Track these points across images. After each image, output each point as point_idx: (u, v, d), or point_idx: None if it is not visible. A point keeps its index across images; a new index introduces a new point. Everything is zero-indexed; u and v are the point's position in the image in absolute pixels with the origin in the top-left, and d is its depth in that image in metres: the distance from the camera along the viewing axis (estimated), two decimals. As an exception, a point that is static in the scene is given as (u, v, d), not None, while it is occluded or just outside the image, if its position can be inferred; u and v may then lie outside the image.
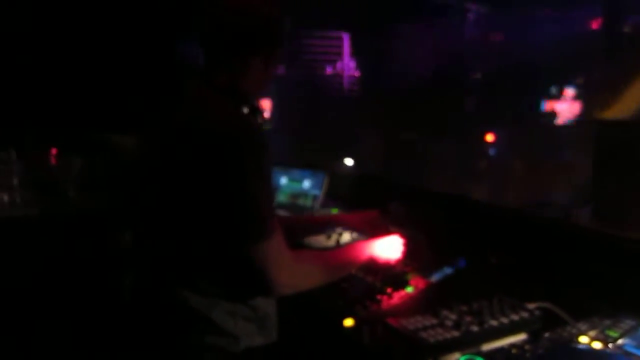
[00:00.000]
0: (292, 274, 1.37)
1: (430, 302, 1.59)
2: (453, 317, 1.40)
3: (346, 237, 2.20)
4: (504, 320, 1.39)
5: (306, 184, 2.83)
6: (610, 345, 1.28)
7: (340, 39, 6.35)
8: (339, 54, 6.36)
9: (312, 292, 1.72)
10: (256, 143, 1.33)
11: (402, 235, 1.78)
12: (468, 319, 1.39)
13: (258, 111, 1.52)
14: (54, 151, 3.09)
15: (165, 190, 1.39)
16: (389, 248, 1.72)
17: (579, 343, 1.29)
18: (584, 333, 1.34)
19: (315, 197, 2.78)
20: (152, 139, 1.49)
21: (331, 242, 2.17)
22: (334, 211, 2.59)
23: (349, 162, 2.83)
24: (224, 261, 1.35)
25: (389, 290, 1.67)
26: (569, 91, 7.95)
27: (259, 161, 1.32)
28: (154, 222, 1.44)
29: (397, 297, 1.65)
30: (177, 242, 1.38)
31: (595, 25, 7.50)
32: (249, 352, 1.42)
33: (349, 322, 1.57)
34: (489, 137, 8.98)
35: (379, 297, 1.66)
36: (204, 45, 1.46)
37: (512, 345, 1.31)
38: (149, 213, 1.46)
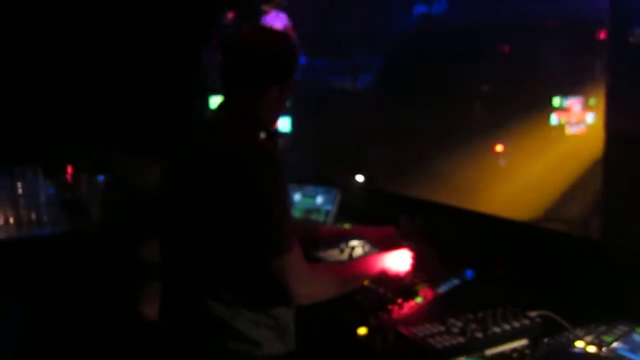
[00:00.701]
0: (309, 285, 1.50)
1: (438, 311, 1.70)
2: (459, 324, 1.51)
3: (358, 250, 2.32)
4: (506, 327, 1.50)
5: (319, 199, 2.95)
6: (604, 349, 1.38)
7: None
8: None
9: (329, 303, 1.84)
10: (271, 166, 1.47)
11: (411, 248, 1.89)
12: (473, 326, 1.50)
13: (274, 135, 1.66)
14: (75, 170, 3.23)
15: (193, 208, 1.52)
16: (399, 261, 1.83)
17: (575, 347, 1.40)
18: (580, 338, 1.44)
19: (328, 213, 2.90)
20: (179, 161, 1.64)
21: (344, 255, 2.29)
22: (347, 226, 2.70)
23: (360, 178, 2.95)
24: (247, 274, 1.49)
25: (399, 300, 1.78)
26: (576, 102, 8.04)
27: (275, 182, 1.46)
28: (182, 239, 1.57)
29: (407, 307, 1.76)
30: (204, 257, 1.51)
31: (603, 35, 7.60)
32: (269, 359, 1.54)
33: (362, 330, 1.69)
34: (499, 148, 9.05)
35: (390, 307, 1.77)
36: (224, 77, 1.62)
37: (513, 350, 1.42)
38: (177, 230, 1.59)
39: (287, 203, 1.51)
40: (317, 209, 2.92)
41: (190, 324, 1.52)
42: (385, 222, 2.67)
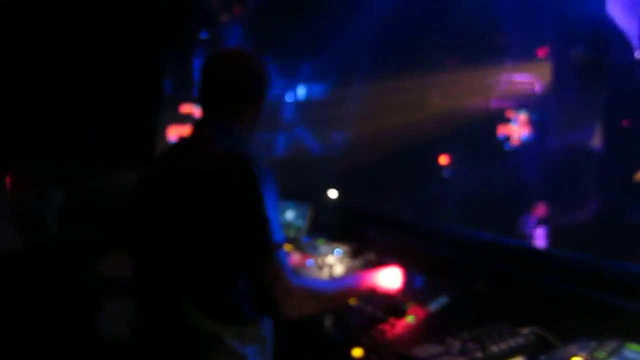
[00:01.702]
0: (296, 298, 1.48)
1: (432, 330, 1.72)
2: (457, 344, 1.53)
3: (337, 268, 2.32)
4: (503, 345, 1.53)
5: (290, 214, 2.93)
6: (599, 365, 1.44)
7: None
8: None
9: (317, 323, 1.84)
10: (259, 174, 1.46)
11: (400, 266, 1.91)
12: (471, 345, 1.52)
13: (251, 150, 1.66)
14: (33, 182, 3.09)
15: (177, 224, 1.49)
16: (389, 278, 1.84)
17: (572, 364, 1.45)
18: (574, 355, 1.49)
19: (299, 228, 2.89)
20: (157, 176, 1.61)
21: (323, 273, 2.28)
22: (321, 242, 2.70)
23: (333, 193, 2.96)
24: (233, 287, 1.46)
25: (391, 320, 1.79)
26: (522, 115, 8.39)
27: (261, 190, 1.44)
28: (163, 255, 1.53)
29: (399, 327, 1.77)
30: (190, 272, 1.47)
31: (542, 53, 7.97)
32: None
33: (357, 352, 1.68)
34: (443, 160, 9.30)
35: (381, 326, 1.78)
36: (202, 95, 1.64)
37: (514, 369, 1.45)
38: (157, 247, 1.54)
39: (276, 210, 1.49)
40: (287, 225, 2.90)
41: (175, 340, 1.48)
42: (358, 238, 2.71)
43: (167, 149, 1.75)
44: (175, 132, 7.22)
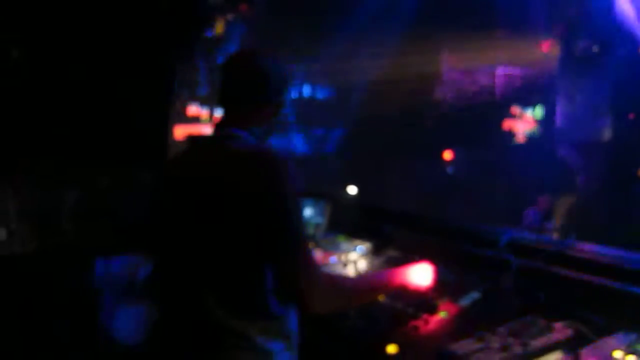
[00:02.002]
0: (323, 292, 1.47)
1: (465, 325, 1.71)
2: (496, 339, 1.52)
3: (362, 264, 2.31)
4: (543, 340, 1.52)
5: (307, 212, 2.92)
6: (641, 358, 1.43)
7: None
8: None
9: (348, 321, 1.82)
10: (287, 169, 1.46)
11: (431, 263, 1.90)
12: (510, 340, 1.51)
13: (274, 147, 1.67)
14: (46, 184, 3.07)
15: (200, 219, 1.48)
16: (420, 275, 1.82)
17: (616, 357, 1.44)
18: (615, 348, 1.49)
19: (317, 225, 2.88)
20: (180, 171, 1.61)
21: (349, 270, 2.27)
22: (341, 239, 2.69)
23: (352, 190, 2.94)
24: (263, 282, 1.45)
25: (424, 316, 1.78)
26: (528, 112, 8.43)
27: (291, 184, 1.45)
28: (186, 251, 1.51)
29: (432, 323, 1.76)
30: (219, 268, 1.46)
31: (545, 47, 7.98)
32: None
33: (392, 348, 1.67)
34: (447, 155, 9.35)
35: (414, 323, 1.76)
36: (224, 95, 1.64)
37: (558, 364, 1.44)
38: (180, 242, 1.53)
39: (298, 205, 1.49)
40: (305, 222, 2.89)
41: (201, 337, 1.48)
42: (376, 235, 2.71)
43: (189, 147, 1.74)
44: (181, 132, 7.21)
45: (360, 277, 1.90)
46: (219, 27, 5.14)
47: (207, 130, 7.51)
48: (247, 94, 1.62)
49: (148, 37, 3.32)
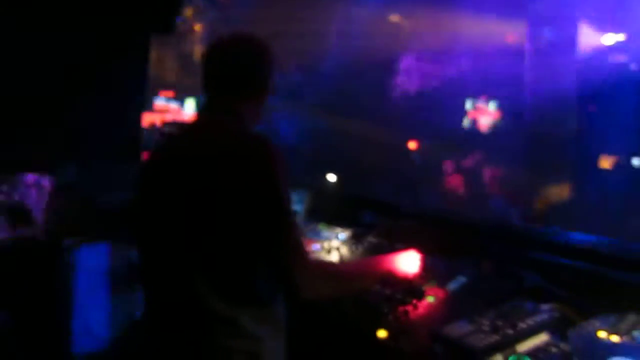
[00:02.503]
0: (314, 278, 1.48)
1: (454, 309, 1.75)
2: (487, 322, 1.57)
3: (344, 250, 2.33)
4: (531, 322, 1.57)
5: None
6: (625, 337, 1.50)
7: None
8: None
9: (337, 306, 1.84)
10: (277, 156, 1.46)
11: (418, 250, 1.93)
12: (500, 323, 1.56)
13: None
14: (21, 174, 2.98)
15: (187, 206, 1.46)
16: (407, 262, 1.85)
17: (600, 337, 1.50)
18: (600, 329, 1.55)
19: (297, 214, 2.88)
20: (167, 160, 1.57)
21: (333, 257, 2.29)
22: (322, 227, 2.70)
23: (331, 178, 2.96)
24: (250, 268, 1.45)
25: (414, 301, 1.81)
26: (489, 103, 8.62)
27: (282, 171, 1.45)
28: (174, 239, 1.49)
29: (422, 307, 1.80)
30: (208, 256, 1.45)
31: (510, 38, 8.14)
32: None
33: (382, 333, 1.70)
34: (412, 145, 9.50)
35: (404, 308, 1.80)
36: (208, 80, 1.62)
37: (548, 344, 1.49)
38: (170, 232, 1.51)
39: (287, 189, 1.48)
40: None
41: (191, 324, 1.47)
42: (355, 223, 2.73)
43: (174, 135, 1.72)
44: (148, 120, 7.08)
45: (350, 264, 1.92)
46: (189, 12, 5.06)
47: (183, 117, 7.43)
48: (232, 78, 1.59)
49: (119, 21, 3.23)
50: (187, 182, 1.48)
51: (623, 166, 6.00)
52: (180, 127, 1.70)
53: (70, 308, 3.00)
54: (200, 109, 1.68)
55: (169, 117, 6.84)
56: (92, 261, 3.10)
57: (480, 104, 8.45)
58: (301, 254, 1.47)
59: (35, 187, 2.91)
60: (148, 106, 6.90)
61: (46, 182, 2.96)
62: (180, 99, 7.01)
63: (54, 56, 3.10)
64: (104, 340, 3.09)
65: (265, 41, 1.68)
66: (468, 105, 8.47)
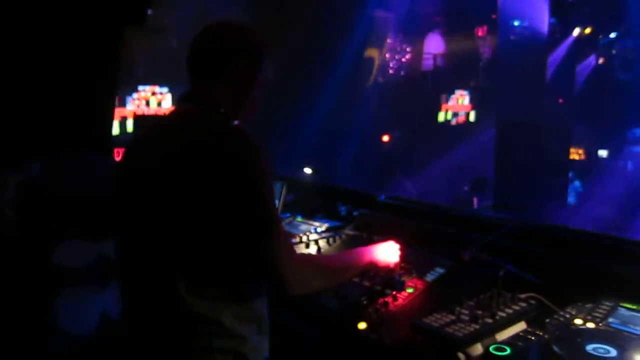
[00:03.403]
0: (301, 272, 1.48)
1: (433, 300, 1.76)
2: (466, 312, 1.58)
3: (322, 243, 2.32)
4: (510, 311, 1.59)
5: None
6: (600, 324, 1.52)
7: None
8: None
9: (318, 301, 1.83)
10: (259, 151, 1.42)
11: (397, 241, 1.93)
12: (479, 312, 1.57)
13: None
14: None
15: (167, 203, 1.42)
16: (388, 253, 1.86)
17: (577, 325, 1.52)
18: (576, 317, 1.57)
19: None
20: (144, 154, 1.53)
21: (312, 251, 2.28)
22: (299, 220, 2.69)
23: (307, 170, 2.94)
24: (235, 266, 1.42)
25: (393, 292, 1.82)
26: (464, 95, 8.73)
27: (264, 167, 1.41)
28: (155, 237, 1.45)
29: (401, 299, 1.80)
30: (187, 253, 1.41)
31: (481, 32, 8.24)
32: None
33: (362, 325, 1.70)
34: (385, 138, 9.60)
35: (383, 299, 1.80)
36: (192, 67, 1.56)
37: (526, 333, 1.51)
38: (148, 228, 1.46)
39: (273, 189, 1.47)
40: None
41: (172, 322, 1.43)
42: (334, 214, 2.73)
43: (152, 127, 1.66)
44: (121, 114, 6.95)
45: (333, 257, 1.90)
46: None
47: (159, 110, 7.29)
48: (212, 65, 1.52)
49: (88, 11, 3.15)
50: (163, 178, 1.43)
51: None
52: (158, 119, 1.65)
53: (42, 306, 2.93)
54: (180, 99, 1.59)
55: (140, 111, 6.74)
56: (62, 257, 3.03)
57: (454, 96, 8.58)
58: (288, 252, 1.45)
59: (2, 183, 2.83)
60: (123, 100, 6.79)
61: (13, 178, 2.88)
62: (154, 92, 6.92)
63: (19, 48, 3.01)
64: (78, 338, 3.03)
65: (256, 30, 1.59)
66: (443, 99, 8.60)
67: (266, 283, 1.49)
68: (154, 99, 6.99)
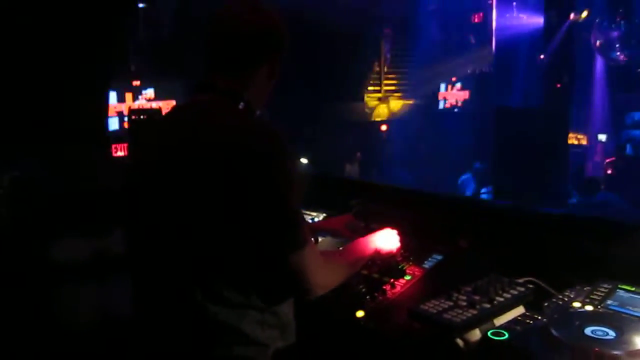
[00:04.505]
0: (325, 275, 1.45)
1: (432, 286, 1.75)
2: (464, 298, 1.57)
3: (325, 242, 2.29)
4: (507, 295, 1.58)
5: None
6: (599, 307, 1.52)
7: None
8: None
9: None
10: (284, 151, 1.35)
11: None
12: (476, 297, 1.56)
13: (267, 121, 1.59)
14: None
15: (186, 206, 1.34)
16: (388, 240, 1.84)
17: (575, 308, 1.52)
18: (574, 300, 1.56)
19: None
20: (159, 150, 1.44)
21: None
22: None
23: (303, 161, 2.93)
24: (258, 272, 1.36)
25: (391, 280, 1.81)
26: (457, 84, 8.75)
27: (291, 169, 1.36)
28: (173, 240, 1.37)
29: (399, 286, 1.79)
30: (208, 257, 1.34)
31: (477, 18, 8.19)
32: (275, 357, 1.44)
33: (360, 313, 1.69)
34: (383, 127, 9.61)
35: (382, 287, 1.79)
36: (210, 54, 1.47)
37: (524, 317, 1.50)
38: (163, 232, 1.39)
39: (297, 190, 1.38)
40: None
41: (190, 329, 1.36)
42: (330, 206, 2.72)
43: (168, 118, 1.58)
44: (113, 111, 6.92)
45: (344, 252, 1.84)
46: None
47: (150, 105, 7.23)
48: (233, 53, 1.43)
49: (77, 3, 3.12)
50: (186, 173, 1.35)
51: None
52: (175, 110, 1.58)
53: (40, 303, 2.93)
54: (198, 87, 1.50)
55: (135, 105, 6.71)
56: (59, 254, 3.03)
57: (451, 85, 8.59)
58: (312, 256, 1.38)
59: (-1, 181, 2.81)
60: (119, 95, 6.76)
61: (6, 175, 2.87)
62: (145, 87, 6.89)
63: (11, 44, 2.99)
64: (76, 335, 3.03)
65: (275, 11, 1.49)
66: (442, 87, 8.61)
67: (289, 289, 1.43)
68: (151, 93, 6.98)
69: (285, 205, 1.33)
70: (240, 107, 1.44)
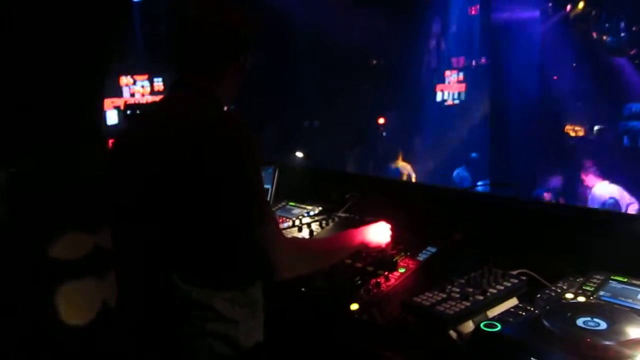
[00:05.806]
0: (291, 256, 1.48)
1: (425, 279, 1.76)
2: (457, 290, 1.57)
3: (314, 226, 2.31)
4: (500, 287, 1.58)
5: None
6: (591, 298, 1.52)
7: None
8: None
9: (311, 283, 1.83)
10: (248, 137, 1.43)
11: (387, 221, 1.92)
12: (470, 290, 1.57)
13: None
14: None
15: (159, 191, 1.43)
16: (379, 233, 1.85)
17: (568, 299, 1.53)
18: (567, 291, 1.57)
19: (266, 192, 2.85)
20: (136, 141, 1.54)
21: (304, 234, 2.27)
22: (292, 204, 2.68)
23: (299, 154, 2.93)
24: (226, 251, 1.43)
25: (385, 273, 1.82)
26: (455, 76, 8.69)
27: (253, 152, 1.42)
28: (148, 224, 1.47)
29: (393, 279, 1.80)
30: (178, 239, 1.43)
31: (474, 11, 8.17)
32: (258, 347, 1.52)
33: (354, 306, 1.70)
34: (381, 120, 9.59)
35: (375, 280, 1.80)
36: (179, 53, 1.54)
37: (517, 308, 1.51)
38: (141, 215, 1.48)
39: (261, 174, 1.47)
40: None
41: (166, 308, 1.45)
42: (325, 198, 2.72)
43: (143, 114, 1.67)
44: (110, 105, 6.93)
45: (324, 239, 1.90)
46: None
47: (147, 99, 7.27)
48: (202, 51, 1.50)
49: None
50: (157, 165, 1.44)
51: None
52: (150, 107, 1.65)
53: (40, 300, 2.94)
54: (172, 86, 1.59)
55: (132, 100, 6.73)
56: (58, 250, 3.03)
57: (448, 77, 8.55)
58: (276, 236, 1.45)
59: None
60: (115, 89, 6.77)
61: (2, 172, 2.86)
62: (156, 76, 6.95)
63: (3, 41, 2.98)
64: (77, 330, 3.04)
65: (242, 8, 1.56)
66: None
67: (255, 268, 1.48)
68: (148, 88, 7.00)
69: (250, 185, 1.41)
70: (211, 102, 1.52)
